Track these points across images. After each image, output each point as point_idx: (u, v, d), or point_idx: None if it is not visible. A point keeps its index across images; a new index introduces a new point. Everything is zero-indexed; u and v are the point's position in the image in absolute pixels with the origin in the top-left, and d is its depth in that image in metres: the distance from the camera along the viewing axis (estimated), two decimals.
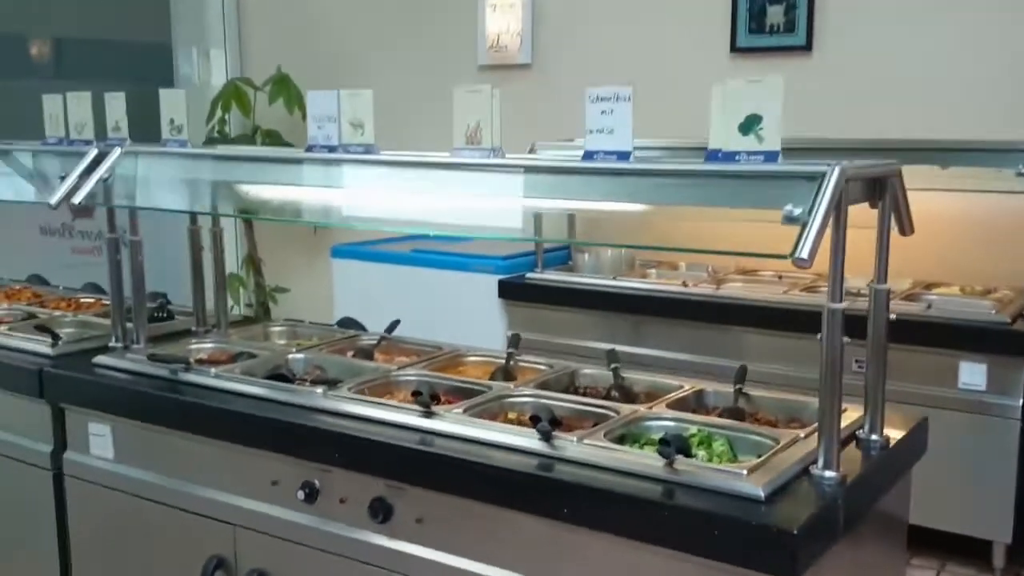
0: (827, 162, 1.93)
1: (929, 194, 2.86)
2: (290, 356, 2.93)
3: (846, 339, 2.00)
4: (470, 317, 4.72)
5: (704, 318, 4.16)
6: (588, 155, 2.24)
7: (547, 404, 2.46)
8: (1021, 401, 3.54)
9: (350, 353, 3.04)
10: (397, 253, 5.09)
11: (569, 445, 2.13)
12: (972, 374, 3.60)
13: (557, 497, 2.03)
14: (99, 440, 2.83)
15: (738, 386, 2.53)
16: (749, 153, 2.03)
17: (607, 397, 2.57)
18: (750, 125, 2.04)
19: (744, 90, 2.03)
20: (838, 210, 1.90)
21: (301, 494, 2.41)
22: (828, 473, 1.99)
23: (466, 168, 2.41)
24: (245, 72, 6.49)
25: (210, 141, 5.97)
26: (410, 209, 2.68)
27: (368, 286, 5.14)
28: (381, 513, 2.30)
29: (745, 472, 1.95)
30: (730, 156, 2.05)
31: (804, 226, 1.84)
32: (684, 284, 4.27)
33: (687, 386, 2.58)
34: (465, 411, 2.37)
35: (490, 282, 4.66)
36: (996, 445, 3.61)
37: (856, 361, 3.82)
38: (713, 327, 4.15)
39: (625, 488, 1.96)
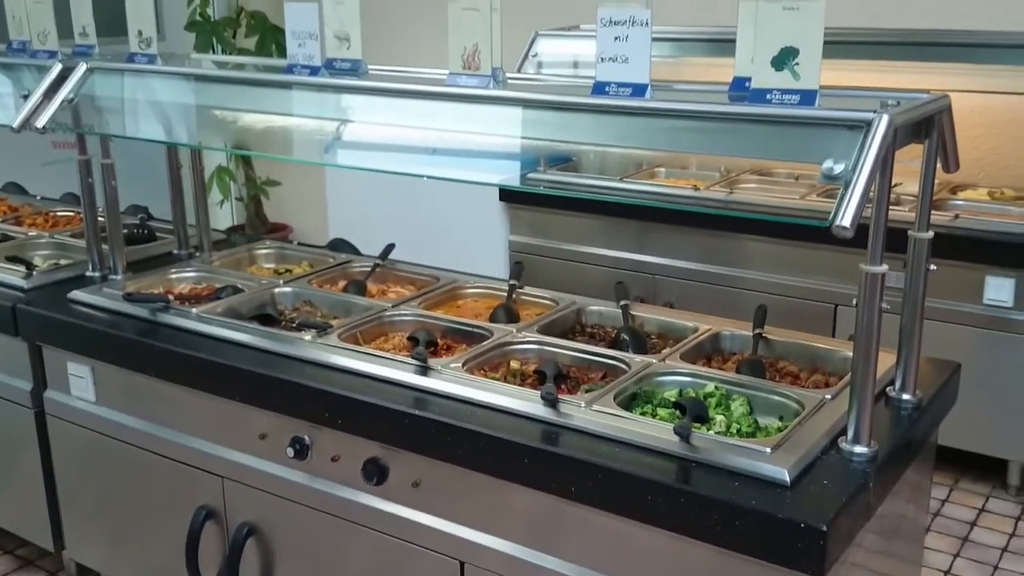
0: (871, 108, 1.70)
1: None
2: (277, 290, 2.74)
3: None
4: (470, 222, 4.51)
5: (716, 225, 3.94)
6: (599, 87, 2.00)
7: (552, 353, 2.29)
8: None
9: (342, 283, 2.86)
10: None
11: (576, 412, 1.97)
12: (998, 289, 3.41)
13: (562, 472, 1.87)
14: (79, 381, 2.67)
15: (757, 331, 2.35)
16: (782, 92, 1.80)
17: (616, 341, 2.40)
18: (784, 59, 1.79)
19: (778, 17, 1.78)
20: (884, 164, 1.67)
21: (291, 451, 2.26)
22: (859, 448, 1.82)
23: (461, 99, 2.16)
24: None
25: (192, 26, 5.62)
26: (400, 142, 2.44)
27: (361, 185, 4.90)
28: (375, 475, 2.16)
29: (768, 450, 1.79)
30: (760, 95, 1.81)
31: (846, 186, 1.62)
32: (695, 187, 4.03)
33: (702, 328, 2.40)
34: (464, 364, 2.20)
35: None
36: (1019, 363, 3.45)
37: None
38: (725, 234, 3.94)
39: (637, 466, 1.80)
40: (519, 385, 2.16)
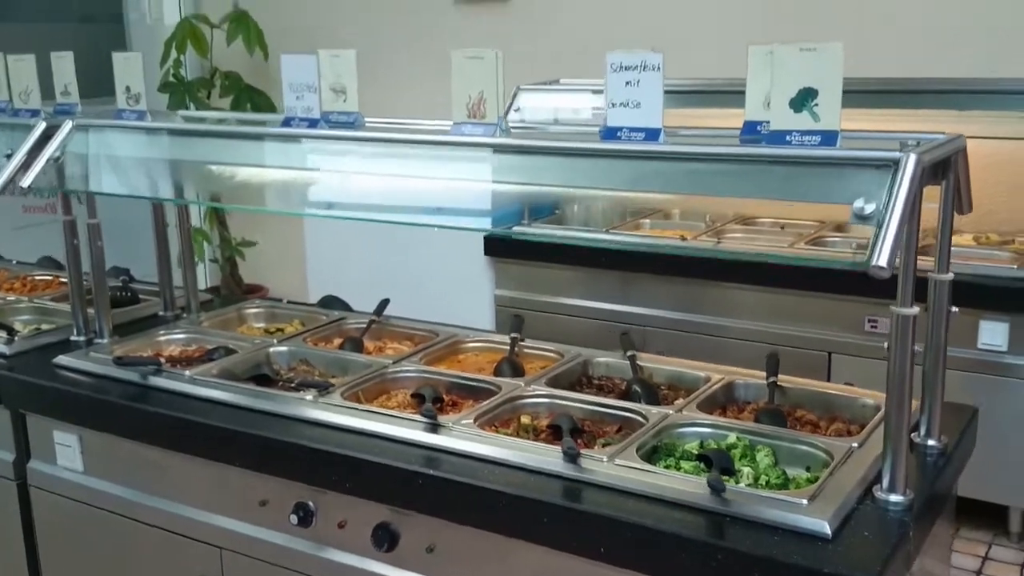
0: (897, 149, 1.67)
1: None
2: (272, 350, 2.65)
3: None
4: (454, 276, 4.45)
5: (704, 274, 3.92)
6: (610, 133, 1.96)
7: (564, 407, 2.22)
8: None
9: (337, 341, 2.78)
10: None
11: (598, 467, 1.90)
12: (993, 334, 3.41)
13: (588, 531, 1.80)
14: (66, 450, 2.56)
15: (771, 379, 2.30)
16: (802, 133, 1.77)
17: (627, 393, 2.34)
18: (803, 100, 1.77)
19: (796, 59, 1.76)
20: (914, 203, 1.64)
21: (294, 517, 2.16)
22: (894, 497, 1.77)
23: (468, 147, 2.12)
24: (200, 8, 6.05)
25: (165, 87, 5.57)
26: (402, 193, 2.39)
27: (343, 241, 4.84)
28: (386, 541, 2.06)
29: (805, 501, 1.73)
30: (779, 137, 1.79)
31: (880, 226, 1.59)
32: (682, 237, 4.02)
33: (715, 378, 2.35)
34: (476, 420, 2.13)
35: (475, 238, 4.37)
36: (1016, 407, 3.44)
37: (869, 320, 3.67)
38: (712, 284, 3.91)
39: (669, 522, 1.73)
40: (534, 440, 2.09)
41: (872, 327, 3.60)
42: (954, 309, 2.03)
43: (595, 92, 4.29)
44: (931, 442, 2.02)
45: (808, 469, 1.96)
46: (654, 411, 2.15)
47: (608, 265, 4.11)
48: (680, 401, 2.26)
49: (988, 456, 3.45)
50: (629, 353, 2.49)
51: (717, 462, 1.86)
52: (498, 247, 4.33)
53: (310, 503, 2.16)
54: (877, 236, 1.58)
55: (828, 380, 3.50)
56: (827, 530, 1.66)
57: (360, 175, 2.46)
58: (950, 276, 2.00)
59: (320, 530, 2.16)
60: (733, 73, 3.42)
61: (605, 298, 4.15)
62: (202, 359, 2.61)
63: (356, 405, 2.26)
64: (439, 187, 2.36)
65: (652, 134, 1.92)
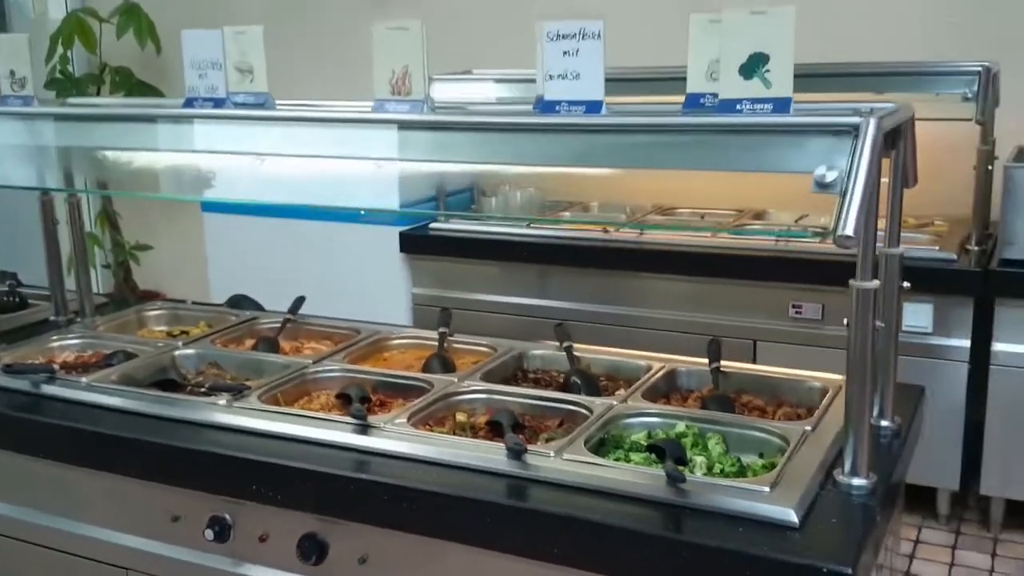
0: (854, 112, 1.59)
1: None
2: (177, 353, 2.45)
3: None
4: (369, 275, 4.26)
5: (626, 266, 3.83)
6: (548, 106, 1.83)
7: (502, 402, 2.09)
8: (969, 342, 3.36)
9: (249, 343, 2.59)
10: (279, 205, 4.54)
11: (545, 462, 1.76)
12: (917, 315, 3.40)
13: (539, 531, 1.66)
14: None
15: (714, 364, 2.20)
16: (754, 101, 1.67)
17: (566, 385, 2.22)
18: (754, 67, 1.67)
19: (746, 24, 1.66)
20: (875, 170, 1.55)
21: (210, 532, 1.97)
22: (857, 481, 1.68)
23: (395, 126, 1.97)
24: (88, 2, 5.73)
25: (52, 84, 5.24)
26: (318, 178, 2.22)
27: (247, 241, 4.60)
28: (314, 553, 1.89)
29: (767, 489, 1.63)
30: (730, 105, 1.68)
31: (844, 195, 1.49)
32: (605, 230, 3.92)
33: (655, 366, 2.24)
34: (409, 419, 1.97)
35: (389, 234, 4.20)
36: (943, 389, 3.42)
37: (793, 306, 3.63)
38: (634, 275, 3.83)
39: (625, 518, 1.61)
40: (472, 438, 1.94)
41: (796, 312, 3.55)
42: (905, 284, 1.96)
43: (508, 81, 4.17)
44: (885, 423, 1.96)
45: (761, 455, 1.87)
46: (598, 402, 2.03)
47: (528, 259, 4.00)
48: (622, 391, 2.15)
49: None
50: (565, 344, 2.36)
51: (670, 452, 1.75)
52: (414, 244, 4.17)
53: (226, 516, 1.98)
54: (842, 205, 1.49)
55: None
56: (794, 518, 1.56)
57: (272, 160, 2.27)
58: (901, 250, 1.93)
59: (239, 545, 1.98)
60: (659, 61, 3.37)
61: (525, 293, 4.02)
62: (99, 365, 2.39)
63: (275, 408, 2.08)
64: (359, 170, 2.20)
65: (593, 106, 1.79)
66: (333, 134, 2.13)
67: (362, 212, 2.24)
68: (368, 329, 2.58)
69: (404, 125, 1.99)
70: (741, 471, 1.77)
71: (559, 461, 1.76)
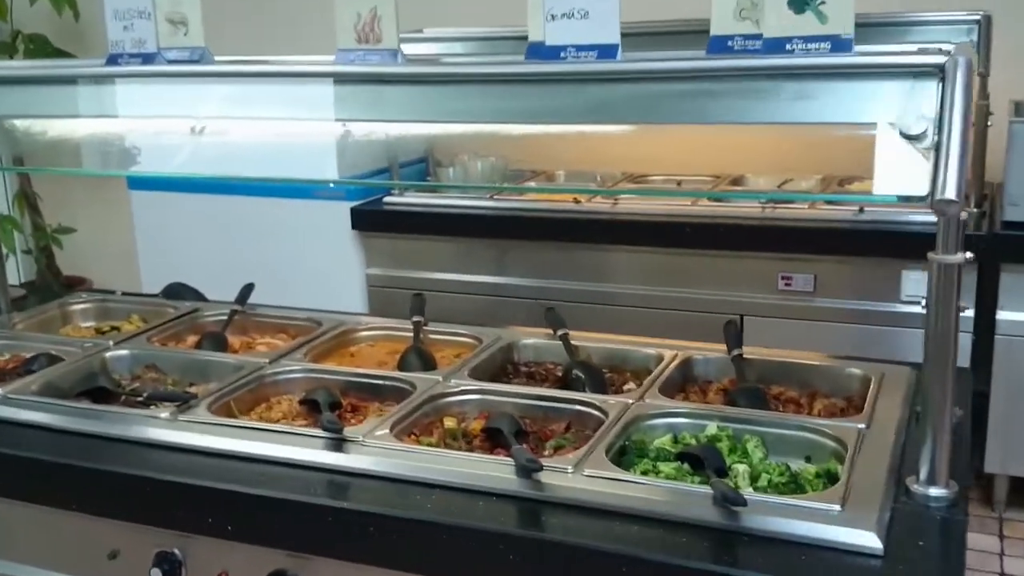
0: (938, 50, 1.31)
1: None
2: (109, 354, 2.10)
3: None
4: (316, 256, 3.92)
5: (601, 239, 3.55)
6: (551, 52, 1.53)
7: (497, 404, 1.79)
8: (972, 312, 3.14)
9: (192, 339, 2.25)
10: (215, 180, 4.15)
11: (563, 480, 1.47)
12: (917, 285, 3.16)
13: (564, 566, 1.38)
14: None
15: (736, 351, 1.92)
16: (807, 39, 1.38)
17: (567, 380, 1.92)
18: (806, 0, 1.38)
19: None
20: (969, 120, 1.28)
21: (157, 573, 1.65)
22: (936, 491, 1.42)
23: (364, 80, 1.64)
24: None
25: None
26: (266, 145, 1.89)
27: (179, 223, 4.21)
28: None
29: (838, 507, 1.35)
30: (778, 44, 1.39)
31: (939, 151, 1.22)
32: (576, 200, 3.63)
33: (667, 355, 1.96)
34: (392, 429, 1.67)
35: (339, 210, 3.85)
36: None
37: (782, 277, 3.38)
38: (609, 248, 3.55)
39: (667, 549, 1.33)
40: (466, 450, 1.65)
41: (786, 284, 3.31)
42: (968, 255, 1.69)
43: (467, 40, 3.84)
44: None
45: (808, 459, 1.60)
46: (611, 401, 1.74)
47: (492, 234, 3.70)
48: (632, 386, 1.87)
49: None
50: (560, 332, 2.07)
51: (710, 462, 1.47)
52: (367, 220, 3.83)
53: (176, 551, 1.65)
54: (938, 163, 1.21)
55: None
56: (877, 544, 1.29)
57: (210, 128, 1.94)
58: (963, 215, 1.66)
59: None
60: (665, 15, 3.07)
61: (490, 271, 3.71)
62: (17, 372, 2.04)
63: (229, 420, 1.75)
64: (312, 137, 1.89)
65: (608, 51, 1.49)
66: (286, 93, 1.80)
67: (331, 184, 1.92)
68: (330, 320, 2.26)
69: (375, 79, 1.67)
70: (793, 482, 1.50)
71: (580, 478, 1.47)
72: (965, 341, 3.17)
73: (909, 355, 1.99)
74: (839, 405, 1.79)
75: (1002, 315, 3.11)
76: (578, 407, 1.75)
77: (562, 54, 1.52)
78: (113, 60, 1.83)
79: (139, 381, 2.03)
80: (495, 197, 3.77)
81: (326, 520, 1.51)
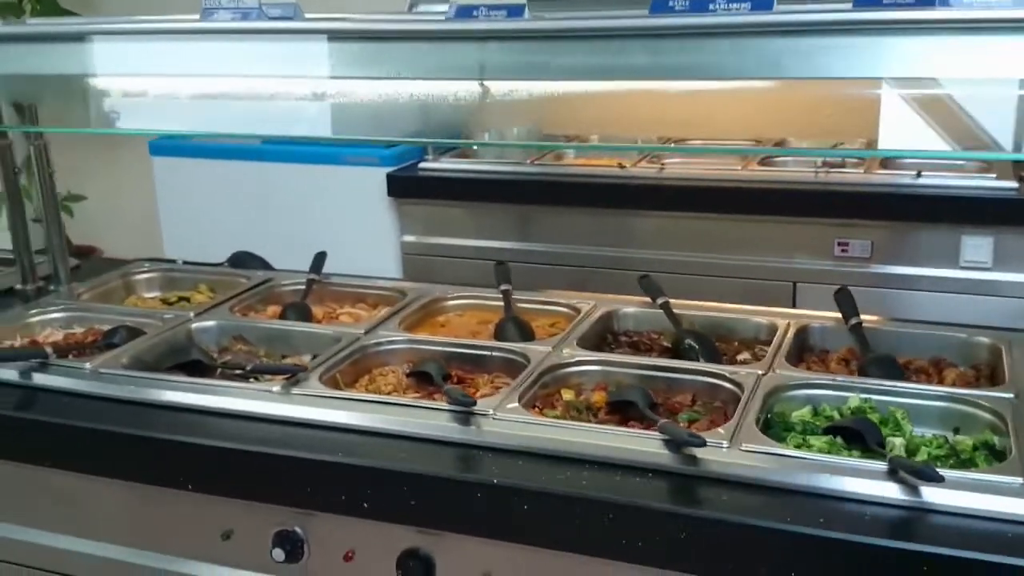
0: None
1: None
2: (194, 326, 2.02)
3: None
4: (350, 225, 3.81)
5: (646, 205, 3.48)
6: (659, 4, 1.45)
7: (622, 376, 1.73)
8: None
9: (272, 310, 2.17)
10: (242, 146, 4.05)
11: (718, 454, 1.42)
12: (977, 251, 3.12)
13: (722, 546, 1.32)
14: None
15: (854, 320, 1.87)
16: None
17: (677, 350, 1.87)
18: None
19: None
20: None
21: (279, 552, 1.58)
22: None
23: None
24: None
25: None
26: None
27: (204, 192, 4.09)
28: (419, 574, 1.52)
29: (1021, 480, 1.31)
30: None
31: None
32: (620, 165, 3.55)
33: (779, 324, 1.90)
34: (520, 401, 1.60)
35: (374, 177, 3.75)
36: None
37: (838, 243, 3.33)
38: (656, 215, 3.48)
39: (847, 527, 1.27)
40: (595, 423, 1.59)
41: (843, 251, 3.25)
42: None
43: None
44: None
45: (957, 431, 1.55)
46: (743, 372, 1.68)
47: (533, 200, 3.61)
48: (744, 355, 1.83)
49: None
50: (660, 301, 2.01)
51: (870, 436, 1.43)
52: (403, 186, 3.73)
53: (297, 530, 1.59)
54: None
55: None
56: None
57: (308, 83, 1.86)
58: None
59: (315, 566, 1.59)
60: None
61: (531, 238, 3.63)
62: (97, 346, 1.95)
63: (346, 393, 1.69)
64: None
65: (762, 2, 1.42)
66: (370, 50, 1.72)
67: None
68: (414, 289, 2.18)
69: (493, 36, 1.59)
70: (953, 454, 1.45)
71: (737, 452, 1.42)
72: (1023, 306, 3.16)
73: (970, 321, 1.96)
74: (968, 374, 1.74)
75: None
76: (705, 378, 1.69)
77: (670, 3, 1.45)
78: (209, 14, 1.73)
79: (229, 353, 1.95)
80: (534, 162, 3.69)
81: (461, 496, 1.45)
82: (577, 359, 1.77)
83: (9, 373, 1.79)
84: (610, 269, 3.50)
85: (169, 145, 4.15)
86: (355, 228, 3.82)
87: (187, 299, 2.29)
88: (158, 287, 2.37)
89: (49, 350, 1.85)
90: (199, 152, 4.08)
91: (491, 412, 1.56)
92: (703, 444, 1.39)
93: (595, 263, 3.51)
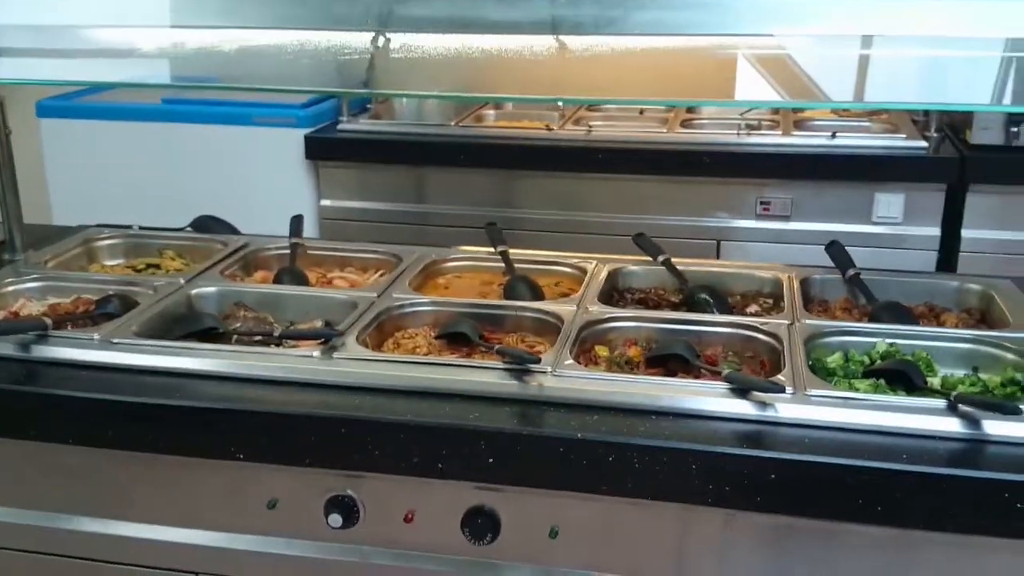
0: None
1: None
2: (195, 292, 1.93)
3: None
4: (263, 189, 3.68)
5: (574, 167, 3.51)
6: None
7: (649, 331, 1.77)
8: (939, 231, 3.33)
9: (260, 275, 2.10)
10: (139, 106, 3.83)
11: (784, 403, 1.48)
12: (889, 206, 3.33)
13: (806, 487, 1.40)
14: None
15: (852, 272, 1.98)
16: None
17: (689, 303, 1.93)
18: None
19: None
20: None
21: (336, 517, 1.55)
22: None
23: None
24: None
25: None
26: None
27: (99, 155, 3.86)
28: (488, 531, 1.53)
29: None
30: None
31: None
32: (547, 127, 3.57)
33: (781, 277, 1.99)
34: (573, 354, 1.63)
35: (289, 138, 3.64)
36: None
37: (760, 202, 3.48)
38: (580, 176, 3.52)
39: (912, 460, 1.37)
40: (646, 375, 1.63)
41: (764, 209, 3.40)
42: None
43: None
44: None
45: (976, 371, 1.68)
46: (774, 323, 1.75)
47: (457, 162, 3.59)
48: (753, 307, 1.91)
49: None
50: (661, 258, 2.06)
51: (915, 376, 1.53)
52: (321, 148, 3.63)
53: (350, 492, 1.56)
54: None
55: None
56: None
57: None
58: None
59: (371, 527, 1.57)
60: None
61: (455, 200, 3.61)
62: (90, 315, 1.84)
63: (391, 356, 1.66)
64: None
65: None
66: None
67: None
68: (408, 252, 2.15)
69: None
70: (986, 391, 1.57)
71: (802, 396, 1.49)
72: (931, 259, 3.40)
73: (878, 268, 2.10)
74: (967, 317, 1.87)
75: (966, 233, 3.30)
76: (738, 330, 1.76)
77: None
78: None
79: (234, 320, 1.88)
80: (459, 124, 3.67)
81: (543, 450, 1.46)
82: (609, 315, 1.80)
83: (6, 347, 1.67)
84: (536, 232, 3.54)
85: (58, 106, 3.89)
86: (270, 192, 3.69)
87: (156, 266, 2.18)
88: (122, 254, 2.25)
89: (48, 321, 1.73)
90: (93, 113, 3.85)
91: (550, 369, 1.57)
92: (782, 390, 1.46)
93: (521, 226, 3.53)
